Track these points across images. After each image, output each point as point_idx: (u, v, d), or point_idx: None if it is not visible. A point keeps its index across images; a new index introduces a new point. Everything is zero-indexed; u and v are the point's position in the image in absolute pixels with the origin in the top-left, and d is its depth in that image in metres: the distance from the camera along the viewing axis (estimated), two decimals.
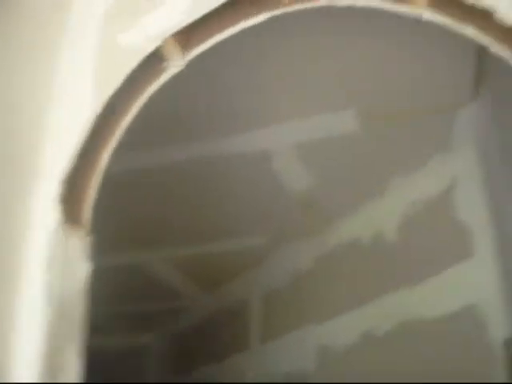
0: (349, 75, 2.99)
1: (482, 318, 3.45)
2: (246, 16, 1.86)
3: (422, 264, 3.91)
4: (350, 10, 1.73)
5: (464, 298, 3.58)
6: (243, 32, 1.81)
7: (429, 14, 1.60)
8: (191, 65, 1.81)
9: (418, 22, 1.65)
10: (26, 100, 1.72)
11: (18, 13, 1.86)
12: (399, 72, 2.99)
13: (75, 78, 1.75)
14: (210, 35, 1.85)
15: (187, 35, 1.83)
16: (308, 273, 4.85)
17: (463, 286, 3.62)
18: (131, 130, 1.74)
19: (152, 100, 1.75)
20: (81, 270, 1.61)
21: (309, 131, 3.49)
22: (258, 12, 1.84)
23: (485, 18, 1.55)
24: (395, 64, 2.90)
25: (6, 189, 1.57)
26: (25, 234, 1.57)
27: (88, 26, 1.83)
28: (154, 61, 1.80)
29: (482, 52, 2.77)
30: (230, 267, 5.28)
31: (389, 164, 3.81)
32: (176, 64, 1.83)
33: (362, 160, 3.79)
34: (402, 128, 3.47)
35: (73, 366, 1.50)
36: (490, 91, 3.14)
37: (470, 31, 1.58)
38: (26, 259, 1.54)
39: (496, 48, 1.56)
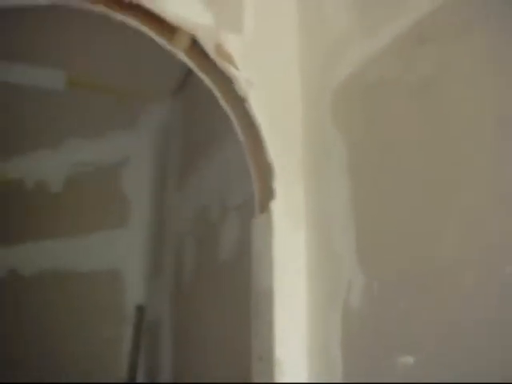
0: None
1: (123, 282, 3.99)
2: None
3: (79, 221, 4.29)
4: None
5: (109, 262, 4.08)
6: None
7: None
8: None
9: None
10: None
11: None
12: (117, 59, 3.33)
13: None
14: None
15: None
16: None
17: (112, 250, 4.11)
18: None
19: None
20: None
21: (13, 75, 3.60)
22: None
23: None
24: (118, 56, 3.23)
25: None
26: None
27: None
28: None
29: None
30: None
31: (78, 124, 4.10)
32: None
33: (54, 113, 4.01)
34: (95, 99, 3.80)
35: None
36: (185, 93, 3.61)
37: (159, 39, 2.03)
38: None
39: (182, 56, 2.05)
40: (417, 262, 1.34)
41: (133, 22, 2.02)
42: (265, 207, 1.91)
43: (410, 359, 1.29)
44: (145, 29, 2.03)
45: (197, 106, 3.27)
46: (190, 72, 2.64)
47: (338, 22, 1.80)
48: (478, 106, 1.24)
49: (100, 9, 2.00)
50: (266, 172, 1.93)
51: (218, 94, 2.04)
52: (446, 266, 1.25)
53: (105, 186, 4.32)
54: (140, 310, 3.77)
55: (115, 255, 4.08)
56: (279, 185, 1.89)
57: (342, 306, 1.59)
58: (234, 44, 2.01)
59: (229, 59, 1.99)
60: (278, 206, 1.87)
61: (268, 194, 1.91)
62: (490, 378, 1.11)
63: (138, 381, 3.54)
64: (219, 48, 1.99)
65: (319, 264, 1.73)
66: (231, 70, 1.98)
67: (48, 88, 3.67)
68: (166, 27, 1.99)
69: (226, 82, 2.00)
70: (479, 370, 1.14)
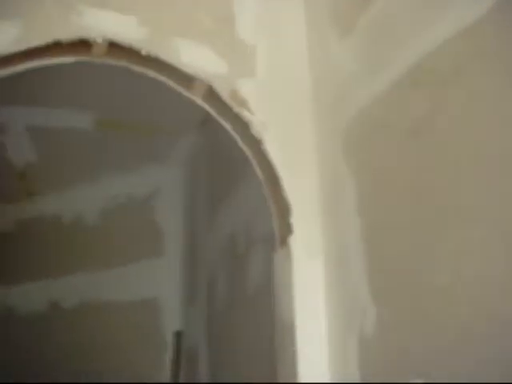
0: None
1: (160, 310, 4.15)
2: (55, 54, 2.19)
3: (116, 253, 4.47)
4: None
5: (147, 291, 4.24)
6: None
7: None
8: None
9: None
10: None
11: None
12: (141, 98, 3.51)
13: None
14: (25, 61, 2.15)
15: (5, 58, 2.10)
16: (6, 236, 5.05)
17: (148, 280, 4.27)
18: None
19: None
20: None
21: (49, 118, 3.81)
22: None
23: None
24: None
25: None
26: None
27: None
28: None
29: None
30: None
31: (109, 160, 4.30)
32: None
33: (85, 151, 4.21)
34: (125, 135, 3.99)
35: None
36: (209, 126, 3.77)
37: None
38: None
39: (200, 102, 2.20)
40: (418, 292, 1.45)
41: (152, 73, 2.18)
42: (284, 242, 2.03)
43: (419, 381, 1.40)
44: (163, 78, 2.19)
45: (220, 139, 3.42)
46: None
47: (344, 65, 1.93)
48: (468, 146, 1.34)
49: (122, 63, 2.17)
50: (283, 209, 2.06)
51: (235, 136, 2.18)
52: (442, 294, 1.35)
53: (139, 217, 4.50)
54: (178, 335, 3.91)
55: (152, 284, 4.24)
56: (296, 220, 2.02)
57: (358, 333, 1.70)
58: (247, 89, 2.15)
59: (244, 104, 2.13)
60: (295, 241, 1.99)
61: (286, 229, 2.04)
62: None
63: None
64: (234, 94, 2.14)
65: (336, 294, 1.85)
66: (246, 114, 2.12)
67: (76, 129, 3.87)
68: (183, 77, 2.15)
69: (243, 126, 2.14)
70: None
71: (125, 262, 4.41)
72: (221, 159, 3.39)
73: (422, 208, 1.47)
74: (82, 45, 2.11)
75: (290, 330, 1.89)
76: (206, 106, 2.20)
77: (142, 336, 4.10)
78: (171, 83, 2.19)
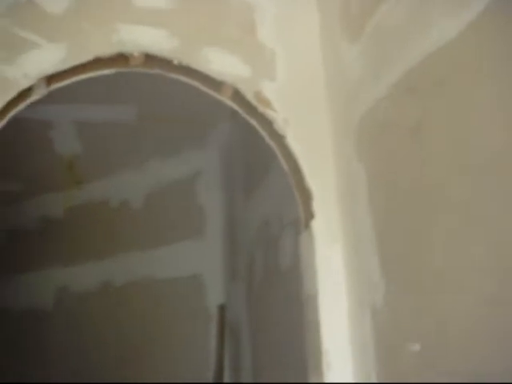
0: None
1: (204, 285, 4.47)
2: (98, 68, 2.47)
3: (161, 233, 4.80)
4: None
5: (192, 268, 4.57)
6: None
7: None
8: None
9: None
10: None
11: None
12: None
13: None
14: (71, 77, 2.44)
15: (54, 76, 2.39)
16: (57, 221, 5.45)
17: (192, 257, 4.59)
18: None
19: None
20: None
21: (93, 113, 4.13)
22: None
23: None
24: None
25: None
26: None
27: None
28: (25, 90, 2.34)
29: None
30: None
31: (151, 147, 4.62)
32: (39, 93, 2.38)
33: (129, 140, 4.52)
34: (169, 126, 4.28)
35: None
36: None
37: None
38: None
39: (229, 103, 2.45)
40: (419, 271, 1.70)
41: (184, 78, 2.45)
42: (307, 225, 2.30)
43: (417, 347, 1.66)
44: (195, 83, 2.45)
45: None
46: None
47: (353, 68, 2.17)
48: (454, 146, 1.58)
49: (156, 72, 2.44)
50: (306, 196, 2.32)
51: (262, 132, 2.44)
52: (438, 274, 1.61)
53: (181, 199, 4.81)
54: (222, 308, 4.22)
55: (196, 261, 4.56)
56: (317, 207, 2.27)
57: (372, 304, 1.96)
58: (270, 90, 2.40)
59: (267, 104, 2.38)
60: (317, 224, 2.26)
61: (309, 214, 2.30)
62: (487, 363, 1.45)
63: (224, 381, 3.99)
64: (258, 95, 2.39)
65: (353, 272, 2.11)
66: (270, 112, 2.37)
67: (119, 122, 4.18)
68: (212, 81, 2.41)
69: (267, 123, 2.39)
70: (474, 355, 1.49)
71: (170, 241, 4.74)
72: (254, 145, 3.65)
73: (421, 199, 1.71)
74: (120, 58, 2.39)
75: (313, 303, 2.17)
76: (234, 106, 2.46)
77: (189, 310, 4.43)
78: (202, 87, 2.45)
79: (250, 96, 2.39)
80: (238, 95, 2.41)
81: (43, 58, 2.33)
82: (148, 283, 4.74)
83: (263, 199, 3.44)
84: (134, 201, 5.10)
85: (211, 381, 3.96)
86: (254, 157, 3.64)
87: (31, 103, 2.35)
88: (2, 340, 5.24)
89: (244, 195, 4.01)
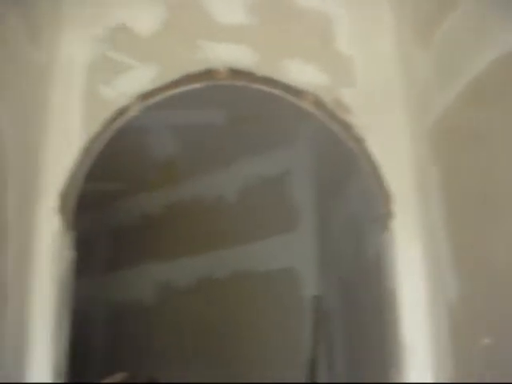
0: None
1: (298, 278, 4.63)
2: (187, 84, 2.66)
3: (255, 228, 4.99)
4: None
5: (285, 261, 4.74)
6: None
7: None
8: None
9: None
10: (34, 141, 2.41)
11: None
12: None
13: (66, 122, 2.47)
14: (164, 93, 2.64)
15: (148, 93, 2.60)
16: (156, 218, 5.77)
17: (286, 250, 4.76)
18: None
19: None
20: (69, 255, 2.41)
21: (186, 118, 4.36)
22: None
23: None
24: None
25: (23, 202, 2.27)
26: (34, 233, 2.32)
27: (74, 80, 2.53)
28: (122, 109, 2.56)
29: None
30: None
31: (243, 146, 4.82)
32: (135, 110, 2.60)
33: (221, 141, 4.74)
34: (258, 126, 4.45)
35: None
36: None
37: None
38: (37, 252, 2.30)
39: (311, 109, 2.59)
40: (488, 271, 1.79)
41: (267, 88, 2.60)
42: (388, 225, 2.41)
43: (488, 341, 1.76)
44: (277, 92, 2.60)
45: None
46: None
47: (425, 75, 2.25)
48: None
49: (241, 84, 2.60)
50: (386, 197, 2.42)
51: (343, 137, 2.56)
52: (504, 273, 1.69)
53: (274, 195, 4.99)
54: (317, 299, 4.36)
55: (289, 255, 4.72)
56: (397, 207, 2.38)
57: (448, 301, 2.06)
58: (348, 96, 2.52)
59: (346, 109, 2.50)
60: (397, 224, 2.36)
61: (389, 214, 2.41)
62: None
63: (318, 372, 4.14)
64: (338, 101, 2.52)
65: (430, 270, 2.21)
66: (349, 118, 2.49)
67: (211, 125, 4.40)
68: (294, 91, 2.55)
69: (347, 128, 2.51)
70: None
71: (264, 236, 4.92)
72: (337, 146, 3.76)
73: (487, 202, 1.79)
74: (208, 73, 2.57)
75: (393, 297, 2.29)
76: (317, 113, 2.58)
77: (283, 301, 4.60)
78: (284, 95, 2.59)
79: (329, 102, 2.52)
80: (318, 102, 2.54)
81: (137, 78, 2.56)
82: (244, 276, 4.95)
83: (349, 196, 3.55)
84: (228, 197, 5.32)
85: (306, 370, 4.11)
86: (338, 156, 3.75)
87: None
88: (113, 331, 5.63)
89: (332, 191, 4.13)
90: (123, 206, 6.02)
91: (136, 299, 5.69)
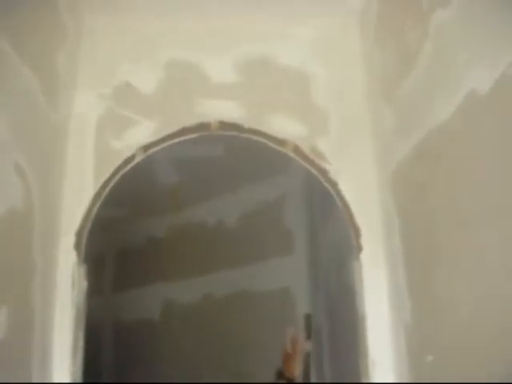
0: None
1: (292, 297, 5.03)
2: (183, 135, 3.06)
3: (254, 250, 5.40)
4: None
5: (282, 282, 5.13)
6: None
7: None
8: None
9: None
10: (54, 189, 2.82)
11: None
12: None
13: (81, 172, 2.88)
14: (164, 143, 3.05)
15: (150, 145, 3.01)
16: (161, 240, 6.19)
17: (282, 272, 5.16)
18: None
19: None
20: (84, 285, 2.81)
21: (187, 151, 4.77)
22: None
23: None
24: None
25: (45, 241, 2.67)
26: (56, 266, 2.72)
27: (86, 135, 2.94)
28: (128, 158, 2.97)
29: None
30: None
31: (241, 174, 5.22)
32: (139, 158, 3.01)
33: (221, 170, 5.15)
34: (254, 154, 4.86)
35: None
36: None
37: None
38: (58, 282, 2.71)
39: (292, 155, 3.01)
40: (436, 293, 2.19)
41: (254, 137, 3.00)
42: (357, 255, 2.81)
43: (431, 357, 2.15)
44: (263, 140, 3.00)
45: None
46: None
47: (389, 127, 2.65)
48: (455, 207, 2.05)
49: (231, 134, 3.01)
50: (356, 232, 2.82)
51: (320, 179, 2.96)
52: (447, 300, 2.08)
53: (270, 220, 5.39)
54: (307, 317, 4.75)
55: (285, 276, 5.12)
56: (365, 241, 2.78)
57: (404, 322, 2.46)
58: (324, 145, 2.92)
59: (322, 156, 2.91)
60: (364, 255, 2.77)
61: (358, 246, 2.81)
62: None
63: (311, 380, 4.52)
64: (314, 149, 2.92)
65: (391, 295, 2.61)
66: (324, 164, 2.89)
67: (210, 156, 4.81)
68: (277, 140, 2.95)
69: (323, 172, 2.91)
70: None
71: (262, 258, 5.32)
72: None
73: (430, 244, 2.19)
74: (202, 126, 2.98)
75: (362, 318, 2.70)
76: (296, 158, 2.99)
77: (279, 318, 4.99)
78: (268, 143, 3.00)
79: (307, 150, 2.92)
80: (298, 150, 2.94)
81: (141, 131, 2.97)
82: (244, 295, 5.35)
83: (334, 223, 3.95)
84: (229, 221, 5.74)
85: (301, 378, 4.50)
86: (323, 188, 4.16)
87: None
88: (119, 347, 6.04)
89: (321, 219, 4.53)
90: (131, 230, 6.43)
91: (143, 316, 6.08)
